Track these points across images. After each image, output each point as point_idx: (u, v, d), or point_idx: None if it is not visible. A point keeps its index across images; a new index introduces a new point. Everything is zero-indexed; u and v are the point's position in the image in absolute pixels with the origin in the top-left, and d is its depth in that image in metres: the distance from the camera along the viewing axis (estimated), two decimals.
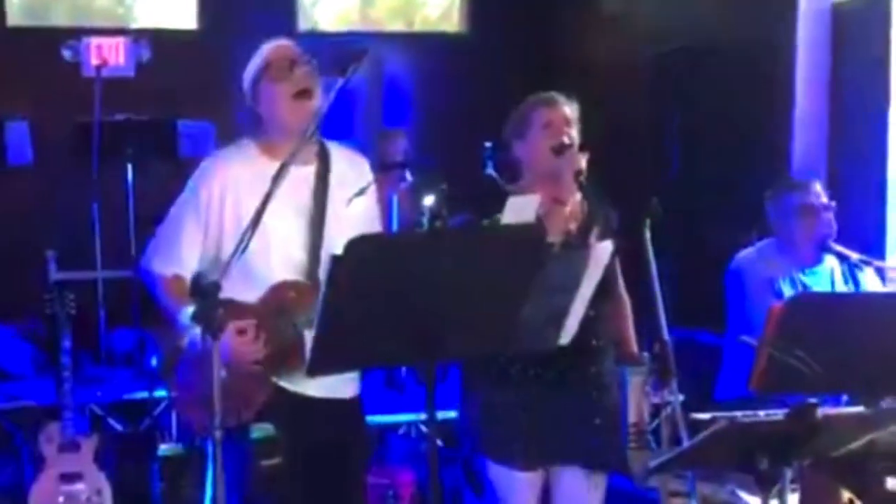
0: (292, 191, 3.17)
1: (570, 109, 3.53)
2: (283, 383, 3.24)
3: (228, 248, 3.17)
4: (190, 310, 3.16)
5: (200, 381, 3.06)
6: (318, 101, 3.22)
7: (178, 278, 3.30)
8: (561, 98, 3.55)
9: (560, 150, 3.42)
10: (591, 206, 3.52)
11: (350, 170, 3.41)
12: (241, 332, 3.15)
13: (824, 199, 4.27)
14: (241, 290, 3.18)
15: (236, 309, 3.15)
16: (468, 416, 3.60)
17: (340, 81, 2.86)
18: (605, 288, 3.23)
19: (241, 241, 2.87)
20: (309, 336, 3.14)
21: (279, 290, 3.24)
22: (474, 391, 3.56)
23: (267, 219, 2.91)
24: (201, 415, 3.20)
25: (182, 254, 3.30)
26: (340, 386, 3.32)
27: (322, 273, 3.20)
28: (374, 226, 3.46)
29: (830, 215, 4.24)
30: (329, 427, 3.29)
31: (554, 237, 3.24)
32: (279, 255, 3.23)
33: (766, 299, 4.13)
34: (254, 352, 3.17)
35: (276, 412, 3.15)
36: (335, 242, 3.21)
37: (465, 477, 3.70)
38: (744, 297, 4.24)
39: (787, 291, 4.12)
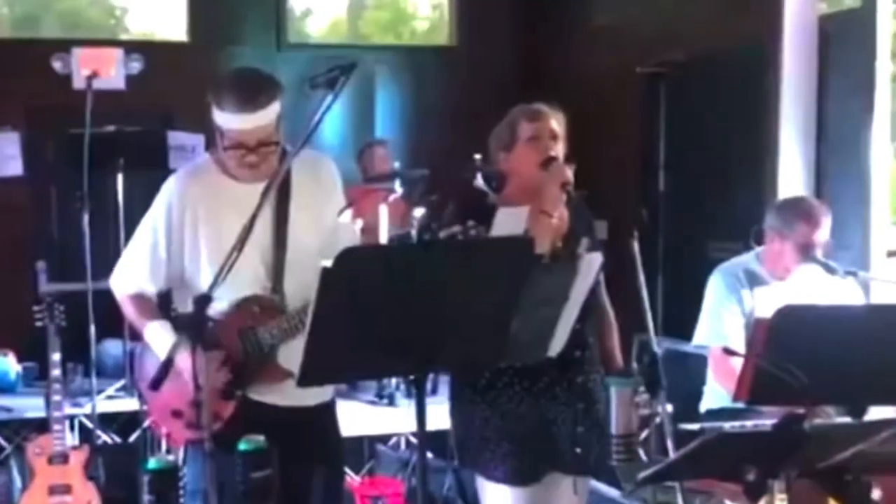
0: (253, 204, 3.08)
1: (556, 121, 3.53)
2: (254, 396, 3.29)
3: (189, 263, 3.27)
4: (154, 325, 3.27)
5: (171, 393, 3.12)
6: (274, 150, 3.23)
7: (140, 296, 3.37)
8: (547, 109, 3.53)
9: (546, 163, 3.43)
10: (576, 218, 3.53)
11: (311, 174, 3.39)
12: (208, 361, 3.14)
13: (826, 237, 4.26)
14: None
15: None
16: (456, 429, 3.60)
17: (330, 96, 2.86)
18: (590, 299, 3.24)
19: (230, 257, 2.87)
20: (285, 350, 3.19)
21: (243, 305, 3.27)
22: (462, 405, 3.56)
23: (228, 236, 2.93)
24: (172, 426, 3.28)
25: (144, 272, 3.35)
26: (309, 393, 3.29)
27: (287, 288, 3.27)
28: (350, 235, 3.50)
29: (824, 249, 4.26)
30: (299, 435, 3.25)
31: (542, 249, 3.25)
32: (242, 271, 3.14)
33: (732, 313, 4.17)
34: (217, 380, 3.20)
35: (244, 423, 3.13)
36: (301, 251, 3.27)
37: (457, 489, 3.70)
38: (713, 309, 4.27)
39: (761, 302, 4.15)
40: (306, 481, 3.37)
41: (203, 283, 3.12)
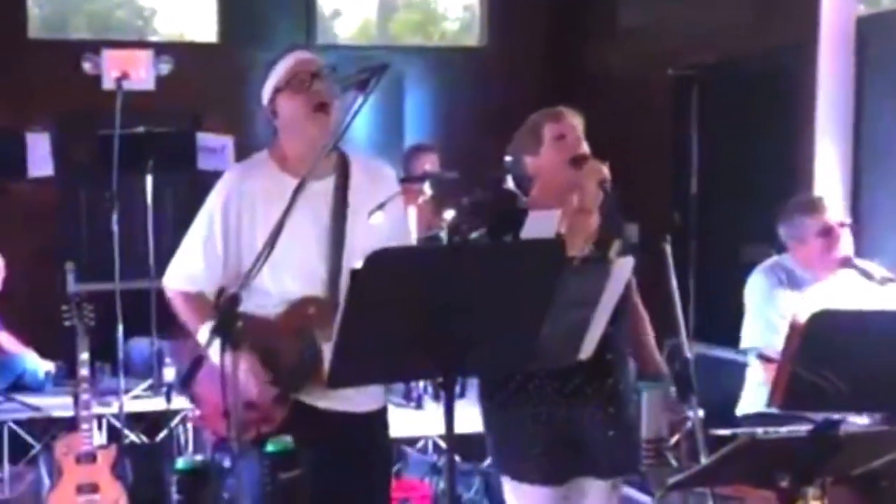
0: (311, 205, 3.15)
1: (577, 121, 3.54)
2: (304, 398, 3.24)
3: (248, 261, 3.16)
4: (210, 325, 3.18)
5: (219, 393, 3.05)
6: (337, 115, 3.20)
7: (199, 295, 3.31)
8: (567, 110, 3.55)
9: (579, 161, 3.42)
10: (609, 220, 3.50)
11: (370, 180, 3.38)
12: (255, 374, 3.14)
13: (840, 217, 4.27)
14: (262, 304, 3.19)
15: (257, 324, 3.14)
16: (488, 431, 3.59)
17: (360, 97, 2.83)
18: (622, 303, 3.21)
19: (260, 257, 2.86)
20: (328, 350, 3.15)
21: (300, 306, 3.23)
22: (494, 407, 3.55)
23: (286, 234, 2.88)
24: (220, 427, 3.20)
25: (202, 271, 3.30)
26: (362, 399, 3.31)
27: (343, 287, 3.20)
28: (402, 237, 3.45)
29: (847, 231, 4.24)
30: (350, 441, 3.27)
31: (577, 249, 3.23)
32: (299, 271, 3.22)
33: (779, 313, 4.13)
34: (264, 396, 3.16)
35: (296, 427, 3.10)
36: (356, 256, 3.19)
37: (484, 491, 3.69)
38: (759, 310, 4.23)
39: (803, 305, 4.11)
40: (354, 488, 3.31)
41: (261, 280, 3.04)
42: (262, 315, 3.20)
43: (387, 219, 3.36)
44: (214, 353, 3.06)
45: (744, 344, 4.32)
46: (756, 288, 4.29)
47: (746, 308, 4.31)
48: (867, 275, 4.12)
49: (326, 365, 3.12)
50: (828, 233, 4.21)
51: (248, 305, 2.99)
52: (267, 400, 3.19)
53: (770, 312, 4.18)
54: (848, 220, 4.27)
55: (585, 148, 3.49)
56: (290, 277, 3.22)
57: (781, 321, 4.09)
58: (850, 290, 4.20)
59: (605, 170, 3.38)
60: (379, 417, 3.44)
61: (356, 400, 3.27)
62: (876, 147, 5.43)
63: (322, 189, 3.26)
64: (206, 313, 3.25)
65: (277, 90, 3.27)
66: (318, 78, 3.24)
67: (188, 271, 3.34)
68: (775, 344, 3.95)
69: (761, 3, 6.11)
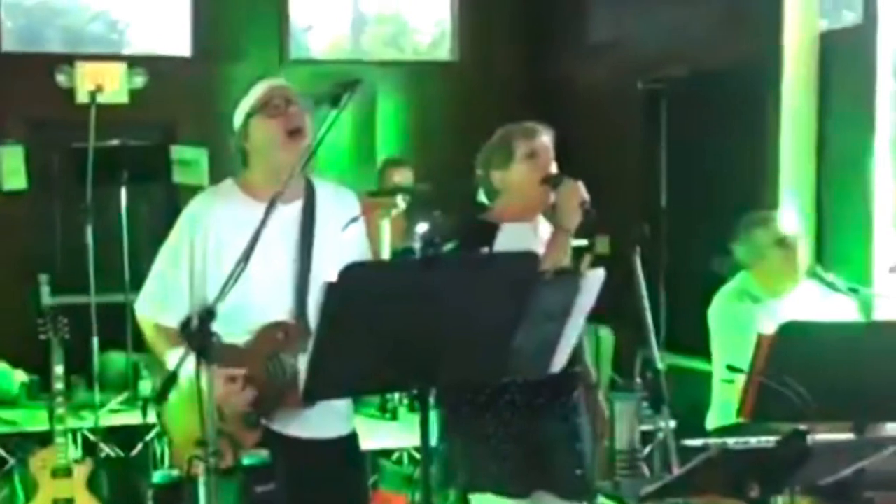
0: (279, 229, 3.13)
1: (549, 139, 3.55)
2: (275, 427, 3.21)
3: (213, 290, 3.09)
4: (178, 352, 3.10)
5: (186, 422, 3.03)
6: (308, 141, 3.20)
7: (165, 328, 3.31)
8: (540, 127, 3.56)
9: (556, 182, 3.43)
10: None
11: (336, 204, 3.37)
12: (231, 379, 3.12)
13: (794, 227, 4.33)
14: (230, 332, 3.08)
15: (227, 352, 3.08)
16: (449, 442, 3.57)
17: (333, 113, 2.85)
18: None
19: (232, 275, 2.78)
20: (301, 368, 3.15)
21: (268, 332, 3.22)
22: (458, 419, 3.54)
23: (253, 259, 2.83)
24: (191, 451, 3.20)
25: (169, 303, 3.29)
26: (332, 425, 3.29)
27: (311, 313, 3.16)
28: (363, 257, 3.43)
29: (804, 241, 4.31)
30: (323, 468, 3.24)
31: (547, 265, 3.25)
32: (266, 296, 3.19)
33: (749, 332, 4.17)
34: (241, 401, 3.15)
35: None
36: (322, 280, 3.21)
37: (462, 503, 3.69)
38: (728, 332, 4.27)
39: (767, 321, 4.15)
40: None
41: (228, 307, 2.91)
42: (230, 343, 3.14)
43: (349, 242, 3.34)
44: (187, 370, 3.05)
45: (719, 372, 4.33)
46: (719, 311, 4.34)
47: (712, 334, 4.34)
48: (833, 286, 4.18)
49: (299, 386, 3.15)
50: (785, 243, 4.26)
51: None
52: (243, 407, 3.16)
53: (736, 337, 4.21)
54: (802, 233, 4.34)
55: (555, 167, 3.51)
56: (257, 304, 3.18)
57: (747, 342, 4.15)
58: (814, 302, 4.26)
59: (585, 191, 3.40)
60: (348, 443, 3.41)
61: (323, 427, 3.25)
62: (840, 159, 5.50)
63: (290, 213, 3.24)
64: (174, 341, 3.25)
65: (250, 115, 3.26)
66: (291, 103, 3.26)
67: (156, 303, 3.32)
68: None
69: (728, 18, 6.17)
